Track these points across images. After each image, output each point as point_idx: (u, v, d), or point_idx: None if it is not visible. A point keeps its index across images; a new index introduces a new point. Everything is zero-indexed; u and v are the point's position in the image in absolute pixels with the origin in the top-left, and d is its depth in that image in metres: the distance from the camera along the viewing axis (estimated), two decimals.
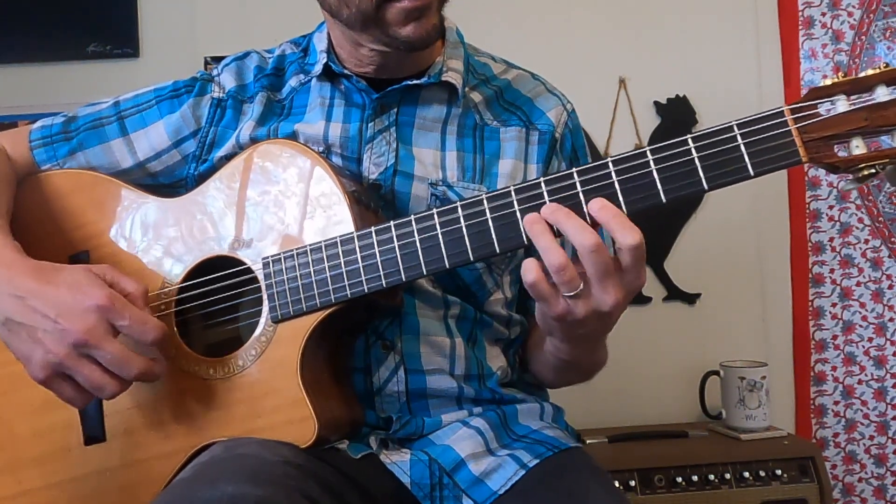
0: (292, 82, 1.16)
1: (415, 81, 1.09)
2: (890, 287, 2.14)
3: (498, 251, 0.89)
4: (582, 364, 1.06)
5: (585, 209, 0.85)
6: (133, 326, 0.92)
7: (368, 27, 1.03)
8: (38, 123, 1.18)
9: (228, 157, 1.08)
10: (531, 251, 1.15)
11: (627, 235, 0.82)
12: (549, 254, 0.83)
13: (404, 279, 0.92)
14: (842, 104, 0.80)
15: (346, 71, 1.11)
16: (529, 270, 0.84)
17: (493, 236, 0.89)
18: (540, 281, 0.84)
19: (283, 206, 1.00)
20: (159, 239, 1.06)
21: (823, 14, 2.15)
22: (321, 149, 1.08)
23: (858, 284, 2.15)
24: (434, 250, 0.91)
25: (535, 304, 1.17)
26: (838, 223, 2.16)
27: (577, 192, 0.86)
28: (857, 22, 2.14)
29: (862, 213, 2.15)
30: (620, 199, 0.85)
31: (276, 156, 1.02)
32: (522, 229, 0.87)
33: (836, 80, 0.80)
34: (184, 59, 2.07)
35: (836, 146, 0.80)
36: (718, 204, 2.11)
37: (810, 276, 2.17)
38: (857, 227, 2.15)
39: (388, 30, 1.02)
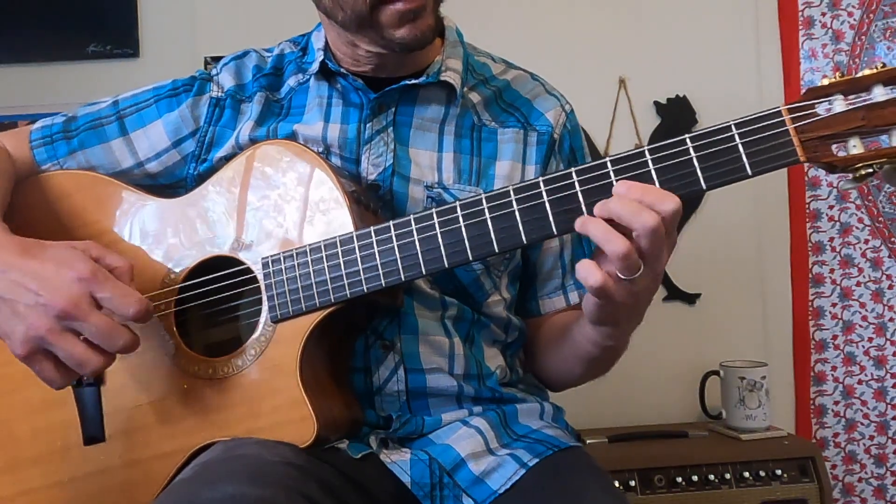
0: (291, 82, 1.16)
1: (413, 81, 1.09)
2: (890, 287, 2.14)
3: (497, 251, 0.89)
4: (619, 346, 1.04)
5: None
6: (114, 299, 0.90)
7: (363, 29, 1.03)
8: (39, 123, 1.18)
9: (228, 158, 1.08)
10: (530, 251, 1.15)
11: (667, 203, 0.81)
12: (611, 244, 0.82)
13: (403, 279, 0.92)
14: (839, 104, 0.80)
15: (342, 70, 1.11)
16: (593, 274, 0.83)
17: (493, 236, 0.89)
18: (606, 280, 0.83)
19: (283, 206, 1.00)
20: (159, 239, 1.06)
21: (823, 14, 2.15)
22: (320, 149, 1.08)
23: (858, 284, 2.15)
24: (433, 251, 0.91)
25: (535, 306, 1.17)
26: (838, 223, 2.15)
27: (576, 193, 0.86)
28: (857, 22, 2.14)
29: (862, 213, 2.15)
30: None
31: (275, 156, 1.02)
32: (521, 228, 0.88)
33: (833, 79, 0.80)
34: (184, 59, 2.07)
35: (833, 146, 0.80)
36: (718, 204, 2.11)
37: (810, 276, 2.16)
38: (857, 227, 2.15)
39: (382, 32, 1.02)
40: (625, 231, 0.82)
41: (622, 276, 0.83)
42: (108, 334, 0.90)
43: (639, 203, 0.81)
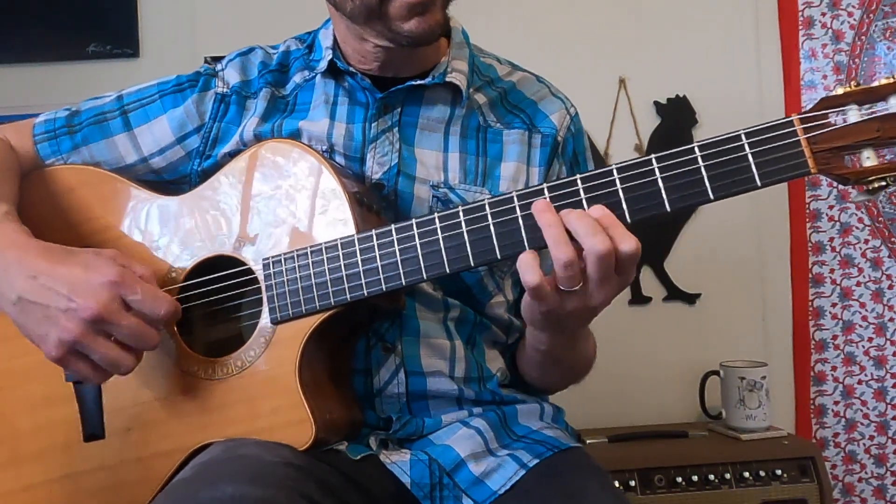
0: (296, 78, 1.16)
1: (419, 82, 1.09)
2: (890, 287, 2.14)
3: (499, 257, 0.88)
4: (563, 359, 1.06)
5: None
6: (145, 301, 0.92)
7: (371, 21, 1.03)
8: (42, 117, 1.18)
9: (232, 154, 1.08)
10: None
11: (626, 243, 0.82)
12: (559, 248, 0.83)
13: (404, 283, 0.92)
14: (853, 114, 0.78)
15: (351, 68, 1.11)
16: (531, 270, 0.84)
17: (495, 242, 0.88)
18: (543, 283, 0.85)
19: (285, 206, 1.00)
20: (161, 237, 1.06)
21: (823, 14, 2.14)
22: (324, 147, 1.08)
23: (858, 284, 2.15)
24: (435, 255, 0.91)
25: None
26: (838, 223, 2.15)
27: (581, 200, 0.85)
28: (857, 22, 2.13)
29: (862, 213, 2.15)
30: (624, 207, 0.84)
31: (278, 155, 1.02)
32: (524, 235, 0.87)
33: (848, 89, 0.78)
34: (184, 59, 2.06)
35: (846, 157, 0.78)
36: (718, 204, 2.08)
37: (810, 276, 2.16)
38: (857, 227, 2.15)
39: (390, 24, 1.02)
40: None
41: (560, 286, 0.85)
42: (139, 336, 0.92)
43: (599, 226, 0.82)
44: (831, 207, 2.16)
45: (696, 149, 0.82)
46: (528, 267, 0.84)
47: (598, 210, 0.84)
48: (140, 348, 0.93)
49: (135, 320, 0.91)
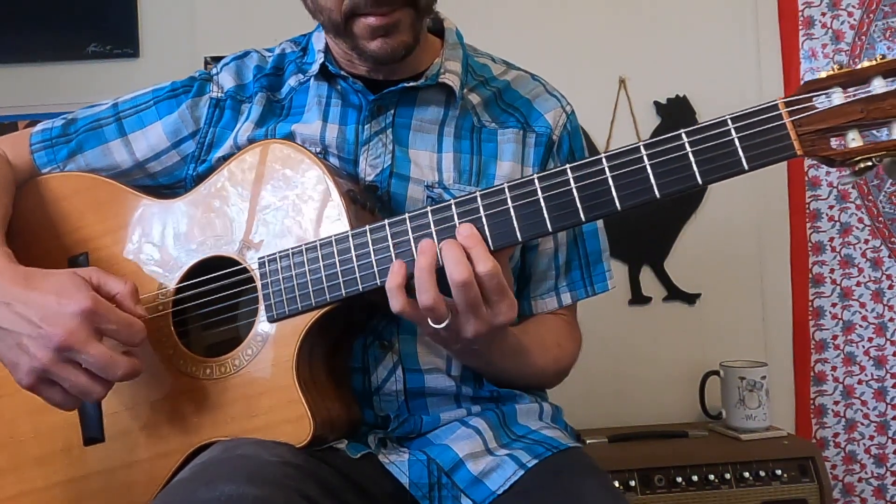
0: (291, 82, 1.16)
1: (412, 84, 1.09)
2: (890, 287, 2.14)
3: (492, 248, 0.89)
4: (488, 373, 1.09)
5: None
6: (120, 331, 0.92)
7: (339, 36, 1.05)
8: (39, 126, 1.18)
9: (226, 158, 1.08)
10: (527, 252, 1.15)
11: (482, 264, 0.86)
12: (422, 293, 0.87)
13: None
14: (837, 97, 0.79)
15: (342, 72, 1.11)
16: (397, 300, 0.89)
17: (487, 233, 0.88)
18: (407, 308, 0.89)
19: (280, 206, 1.00)
20: (157, 240, 1.06)
21: (823, 14, 2.15)
22: (318, 149, 1.08)
23: (858, 284, 2.15)
24: None
25: (528, 307, 1.17)
26: (838, 223, 2.15)
27: (571, 189, 0.85)
28: (857, 22, 2.13)
29: (862, 213, 2.15)
30: (614, 194, 0.84)
31: (272, 157, 1.02)
32: (515, 225, 0.88)
33: (831, 72, 0.79)
34: (184, 59, 2.07)
35: (831, 139, 0.79)
36: (718, 203, 2.11)
37: (810, 276, 2.16)
38: (857, 227, 2.15)
39: (356, 42, 1.03)
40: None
41: (431, 323, 0.89)
42: (106, 365, 0.91)
43: (463, 256, 0.87)
44: (831, 207, 2.15)
45: (684, 135, 0.83)
46: (391, 294, 0.89)
47: (465, 229, 0.88)
48: (110, 378, 0.92)
49: (101, 350, 0.90)
